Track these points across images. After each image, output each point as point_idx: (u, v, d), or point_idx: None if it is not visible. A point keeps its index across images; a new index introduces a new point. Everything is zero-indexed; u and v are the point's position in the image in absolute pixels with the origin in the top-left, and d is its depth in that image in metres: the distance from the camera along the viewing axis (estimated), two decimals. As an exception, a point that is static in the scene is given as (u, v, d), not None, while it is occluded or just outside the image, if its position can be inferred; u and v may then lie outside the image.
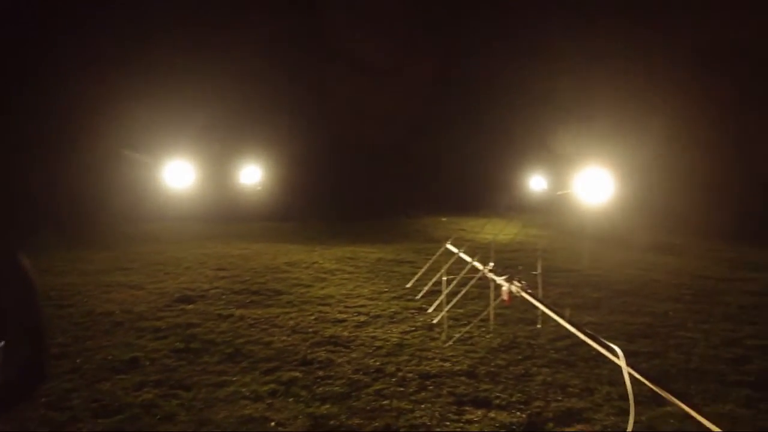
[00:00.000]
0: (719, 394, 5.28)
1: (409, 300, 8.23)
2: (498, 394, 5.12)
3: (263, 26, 21.59)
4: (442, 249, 7.52)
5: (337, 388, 5.24)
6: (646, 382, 3.54)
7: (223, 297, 8.34)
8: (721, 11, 20.11)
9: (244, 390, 5.20)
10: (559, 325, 4.73)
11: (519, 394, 5.14)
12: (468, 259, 6.81)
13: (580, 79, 21.34)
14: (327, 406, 4.89)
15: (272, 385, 5.29)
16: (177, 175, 15.52)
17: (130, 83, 18.22)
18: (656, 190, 19.70)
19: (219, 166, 19.54)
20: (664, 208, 19.14)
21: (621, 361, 3.51)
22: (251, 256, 11.45)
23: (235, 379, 5.43)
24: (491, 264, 6.50)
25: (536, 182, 23.12)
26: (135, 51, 19.00)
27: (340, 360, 5.91)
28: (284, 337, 6.60)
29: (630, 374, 3.51)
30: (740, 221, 17.40)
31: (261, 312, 7.59)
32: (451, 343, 6.36)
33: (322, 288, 8.99)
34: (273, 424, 4.61)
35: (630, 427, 3.57)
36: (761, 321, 7.68)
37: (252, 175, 19.57)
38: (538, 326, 6.86)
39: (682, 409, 3.31)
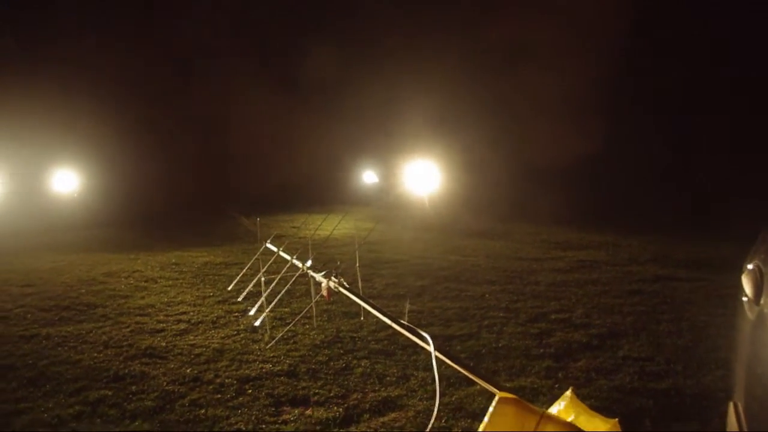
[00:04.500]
0: (524, 368, 5.66)
1: (234, 303, 8.04)
2: (317, 391, 5.13)
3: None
4: (262, 248, 7.43)
5: (149, 402, 4.98)
6: (452, 364, 3.68)
7: (28, 316, 7.66)
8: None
9: (45, 416, 4.79)
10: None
11: (338, 389, 5.18)
12: (287, 257, 6.78)
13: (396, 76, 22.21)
14: (137, 422, 4.63)
15: (78, 407, 4.92)
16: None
17: None
18: (482, 180, 20.95)
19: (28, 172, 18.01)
20: (489, 196, 20.35)
21: (430, 347, 3.63)
22: (64, 269, 10.62)
23: (35, 405, 5.00)
24: (310, 261, 6.52)
25: (368, 176, 23.64)
26: None
27: (155, 372, 5.63)
28: (95, 354, 6.18)
29: (438, 358, 3.63)
30: (554, 206, 18.91)
31: (71, 329, 7.05)
32: (273, 343, 6.28)
33: (142, 298, 8.53)
34: (75, 449, 4.30)
35: (436, 409, 3.69)
36: (565, 296, 8.35)
37: (67, 181, 18.23)
38: (362, 319, 6.99)
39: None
